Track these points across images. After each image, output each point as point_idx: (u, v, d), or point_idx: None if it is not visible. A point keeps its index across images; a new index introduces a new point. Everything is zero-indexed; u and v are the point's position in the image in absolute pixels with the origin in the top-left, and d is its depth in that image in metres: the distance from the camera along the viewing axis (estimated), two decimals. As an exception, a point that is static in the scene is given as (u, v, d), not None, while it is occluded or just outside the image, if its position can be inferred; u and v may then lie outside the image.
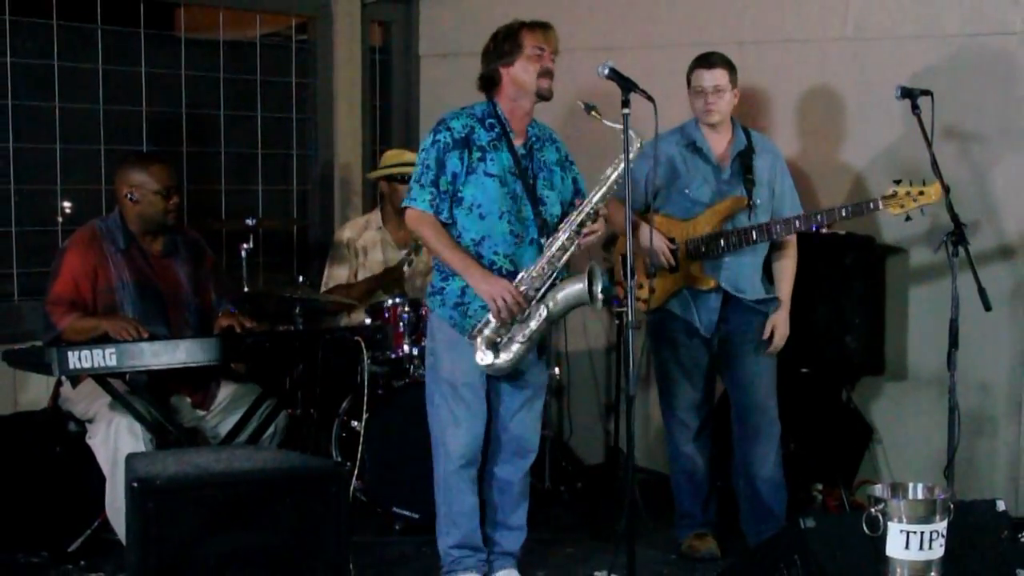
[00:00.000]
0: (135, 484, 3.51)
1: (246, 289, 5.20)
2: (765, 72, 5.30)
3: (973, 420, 4.86)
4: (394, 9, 6.70)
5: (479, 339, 4.14)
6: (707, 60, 4.68)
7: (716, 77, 4.65)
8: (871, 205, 4.53)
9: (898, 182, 4.48)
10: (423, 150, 4.22)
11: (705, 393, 4.84)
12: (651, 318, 4.87)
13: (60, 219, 5.70)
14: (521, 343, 4.13)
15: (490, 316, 4.13)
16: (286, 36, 6.54)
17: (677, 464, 4.90)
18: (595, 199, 4.18)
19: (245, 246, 5.25)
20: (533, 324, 4.13)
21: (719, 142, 4.74)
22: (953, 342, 4.35)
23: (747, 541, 4.79)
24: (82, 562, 4.63)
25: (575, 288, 4.11)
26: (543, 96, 4.22)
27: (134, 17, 5.78)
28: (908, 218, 4.50)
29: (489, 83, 4.29)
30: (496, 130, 4.23)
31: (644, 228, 4.52)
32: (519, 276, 4.15)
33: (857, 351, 5.10)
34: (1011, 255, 4.97)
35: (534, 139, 4.30)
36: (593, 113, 4.12)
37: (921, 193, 4.43)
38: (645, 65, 5.00)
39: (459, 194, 4.17)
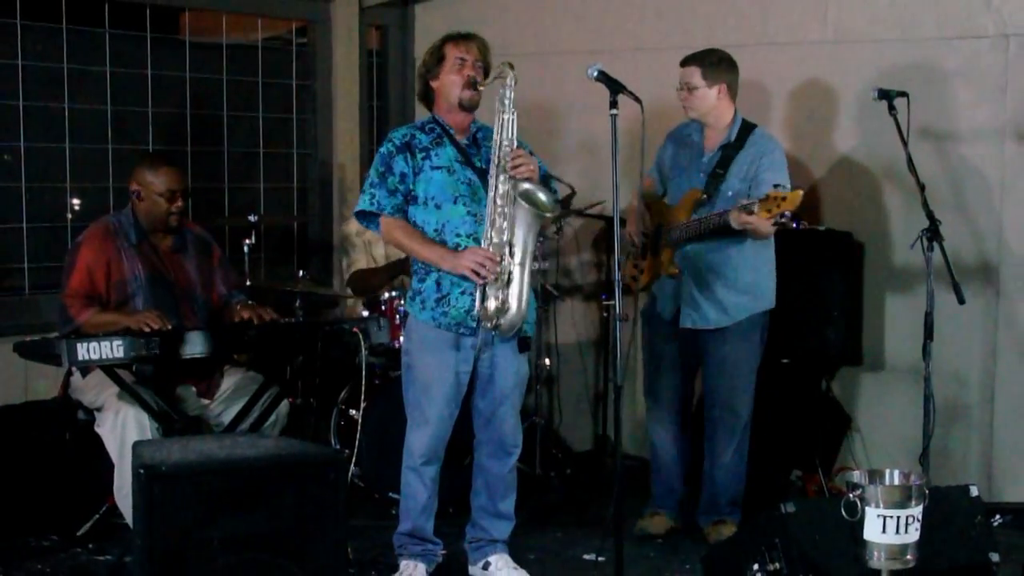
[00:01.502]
0: (141, 470, 3.53)
1: (248, 283, 5.26)
2: (747, 74, 5.24)
3: (947, 409, 4.94)
4: (391, 14, 6.75)
5: (483, 312, 4.14)
6: (684, 59, 4.77)
7: (686, 75, 4.73)
8: (751, 208, 4.36)
9: (777, 186, 4.42)
10: (373, 164, 4.32)
11: (682, 381, 4.90)
12: (644, 304, 5.00)
13: (69, 216, 5.77)
14: (513, 288, 4.12)
15: (476, 292, 4.15)
16: (287, 40, 6.61)
17: (652, 449, 4.99)
18: (501, 138, 4.13)
19: (247, 241, 5.36)
20: (508, 266, 4.11)
21: (713, 136, 4.80)
22: (928, 334, 4.43)
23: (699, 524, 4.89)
24: (90, 545, 4.72)
25: (520, 213, 4.09)
26: (465, 106, 4.26)
27: (140, 21, 5.84)
28: (775, 223, 4.35)
29: (426, 100, 4.38)
30: (436, 131, 4.30)
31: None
32: (481, 241, 4.16)
33: (836, 343, 5.18)
34: (983, 250, 5.06)
35: (476, 130, 4.35)
36: (478, 87, 4.21)
37: (784, 199, 4.28)
38: (633, 67, 5.07)
39: (413, 193, 4.25)
